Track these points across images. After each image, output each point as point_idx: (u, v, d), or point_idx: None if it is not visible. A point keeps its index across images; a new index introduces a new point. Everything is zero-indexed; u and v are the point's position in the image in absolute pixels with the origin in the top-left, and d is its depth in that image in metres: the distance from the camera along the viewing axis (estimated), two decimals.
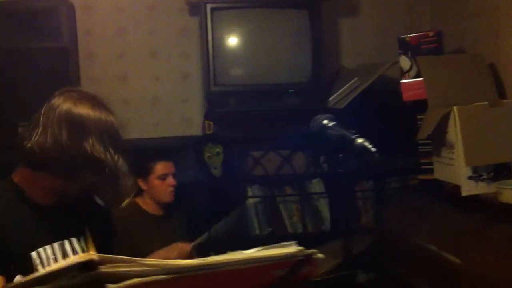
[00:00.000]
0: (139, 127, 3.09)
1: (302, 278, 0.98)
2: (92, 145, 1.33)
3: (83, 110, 1.37)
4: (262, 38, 2.90)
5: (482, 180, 2.16)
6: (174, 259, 2.31)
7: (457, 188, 2.18)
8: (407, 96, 2.61)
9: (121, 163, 1.38)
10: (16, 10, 2.64)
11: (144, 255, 2.19)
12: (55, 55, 2.68)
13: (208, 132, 2.90)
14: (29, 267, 1.30)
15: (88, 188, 1.40)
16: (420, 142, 2.49)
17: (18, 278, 1.14)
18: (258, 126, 2.83)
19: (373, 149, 1.29)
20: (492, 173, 2.15)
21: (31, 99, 2.64)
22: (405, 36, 2.67)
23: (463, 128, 2.16)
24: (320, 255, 0.95)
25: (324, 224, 2.98)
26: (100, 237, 1.49)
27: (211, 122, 2.87)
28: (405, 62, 2.66)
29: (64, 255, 1.40)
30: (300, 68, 2.88)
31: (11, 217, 1.38)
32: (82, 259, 0.84)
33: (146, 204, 2.68)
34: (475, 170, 2.16)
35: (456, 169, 2.19)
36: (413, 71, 2.62)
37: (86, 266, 0.84)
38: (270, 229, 2.95)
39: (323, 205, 2.99)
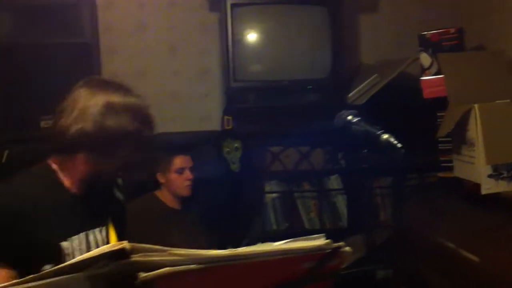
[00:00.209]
0: (158, 122, 3.10)
1: (330, 271, 0.99)
2: (133, 125, 1.41)
3: (117, 95, 1.43)
4: (281, 34, 2.91)
5: (502, 179, 2.14)
6: None
7: (477, 186, 2.16)
8: (427, 93, 2.59)
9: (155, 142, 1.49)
10: (38, 6, 2.68)
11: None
12: (77, 51, 2.71)
13: (227, 128, 2.91)
14: (58, 257, 1.33)
15: (126, 167, 1.46)
16: (440, 139, 2.47)
17: (47, 267, 1.16)
18: (277, 122, 2.84)
19: (399, 145, 1.29)
20: None
21: (52, 94, 2.67)
22: (425, 33, 2.65)
23: (484, 125, 2.14)
24: (347, 249, 0.96)
25: (342, 220, 2.98)
26: (116, 228, 1.52)
27: (230, 118, 2.88)
28: (425, 59, 2.64)
29: (88, 245, 1.43)
30: (319, 64, 2.88)
31: (47, 204, 1.39)
32: (114, 248, 0.85)
33: (164, 197, 2.71)
34: (495, 168, 2.14)
35: (476, 167, 2.17)
36: (434, 68, 2.60)
37: (118, 255, 0.86)
38: (287, 224, 2.96)
39: (341, 202, 2.99)
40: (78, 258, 0.88)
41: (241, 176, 2.89)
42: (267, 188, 2.96)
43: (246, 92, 2.85)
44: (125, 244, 0.86)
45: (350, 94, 2.87)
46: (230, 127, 2.91)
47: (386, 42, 3.25)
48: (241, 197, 2.84)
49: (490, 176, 2.15)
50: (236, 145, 2.90)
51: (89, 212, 1.47)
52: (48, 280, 0.85)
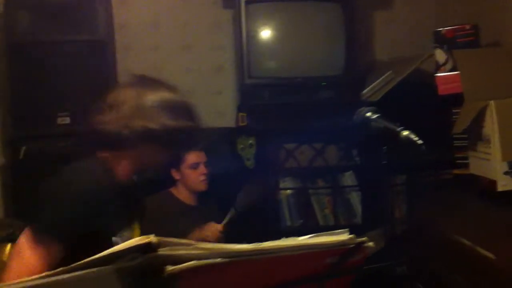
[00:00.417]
0: None
1: (352, 266, 1.00)
2: (186, 122, 1.51)
3: (168, 92, 1.54)
4: (295, 31, 2.91)
5: None
6: (206, 237, 2.38)
7: (492, 183, 2.16)
8: (442, 89, 2.58)
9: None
10: (54, 4, 2.70)
11: None
12: (92, 48, 2.73)
13: (242, 124, 2.92)
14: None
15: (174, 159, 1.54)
16: (456, 136, 2.47)
17: None
18: (291, 118, 2.84)
19: (419, 142, 1.29)
20: None
21: (68, 91, 2.72)
22: (441, 29, 2.65)
23: (500, 122, 2.14)
24: (370, 244, 0.97)
25: (356, 217, 2.99)
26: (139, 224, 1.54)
27: (245, 114, 2.89)
28: (440, 55, 2.63)
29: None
30: (334, 61, 2.88)
31: (105, 196, 1.41)
32: (142, 242, 0.86)
33: (180, 193, 2.73)
34: (511, 165, 2.14)
35: (492, 163, 2.17)
36: (449, 65, 2.60)
37: (145, 248, 0.87)
38: (302, 221, 2.97)
39: (355, 198, 2.99)
40: (107, 251, 0.89)
41: (255, 173, 2.90)
42: (282, 184, 2.97)
43: (260, 88, 2.86)
44: (152, 238, 0.87)
45: (365, 91, 2.87)
46: (244, 123, 2.92)
47: (401, 38, 3.25)
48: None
49: (506, 173, 2.14)
50: (250, 141, 2.91)
51: (132, 207, 1.51)
52: (78, 273, 0.86)
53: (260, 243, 0.91)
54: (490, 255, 1.83)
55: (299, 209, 2.97)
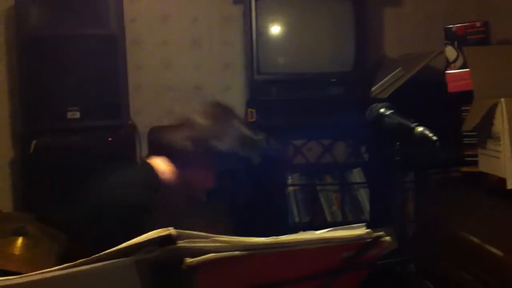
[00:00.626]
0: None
1: (369, 260, 1.00)
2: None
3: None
4: (305, 27, 2.91)
5: None
6: None
7: (502, 181, 2.15)
8: (452, 87, 2.58)
9: None
10: None
11: None
12: (103, 42, 2.73)
13: (251, 120, 2.92)
14: None
15: None
16: (465, 133, 2.46)
17: None
18: (300, 115, 2.84)
19: (434, 138, 1.29)
20: None
21: (78, 85, 2.73)
22: (451, 26, 2.64)
23: (510, 120, 2.13)
24: (387, 238, 0.97)
25: (364, 214, 2.99)
26: None
27: (254, 110, 2.89)
28: (450, 52, 2.63)
29: None
30: (343, 57, 2.88)
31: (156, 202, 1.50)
32: (161, 234, 0.87)
33: None
34: None
35: (501, 161, 2.16)
36: (459, 62, 2.59)
37: (164, 240, 0.88)
38: (309, 217, 2.97)
39: (363, 195, 2.99)
40: (126, 243, 0.90)
41: (263, 169, 2.90)
42: (290, 181, 2.97)
43: (269, 85, 2.86)
44: (171, 230, 0.87)
45: (374, 88, 2.87)
46: (253, 119, 2.92)
47: (411, 35, 3.24)
48: (264, 189, 2.84)
49: None
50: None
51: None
52: (97, 264, 0.87)
53: (278, 237, 0.92)
54: (499, 252, 1.83)
55: (306, 206, 2.98)
